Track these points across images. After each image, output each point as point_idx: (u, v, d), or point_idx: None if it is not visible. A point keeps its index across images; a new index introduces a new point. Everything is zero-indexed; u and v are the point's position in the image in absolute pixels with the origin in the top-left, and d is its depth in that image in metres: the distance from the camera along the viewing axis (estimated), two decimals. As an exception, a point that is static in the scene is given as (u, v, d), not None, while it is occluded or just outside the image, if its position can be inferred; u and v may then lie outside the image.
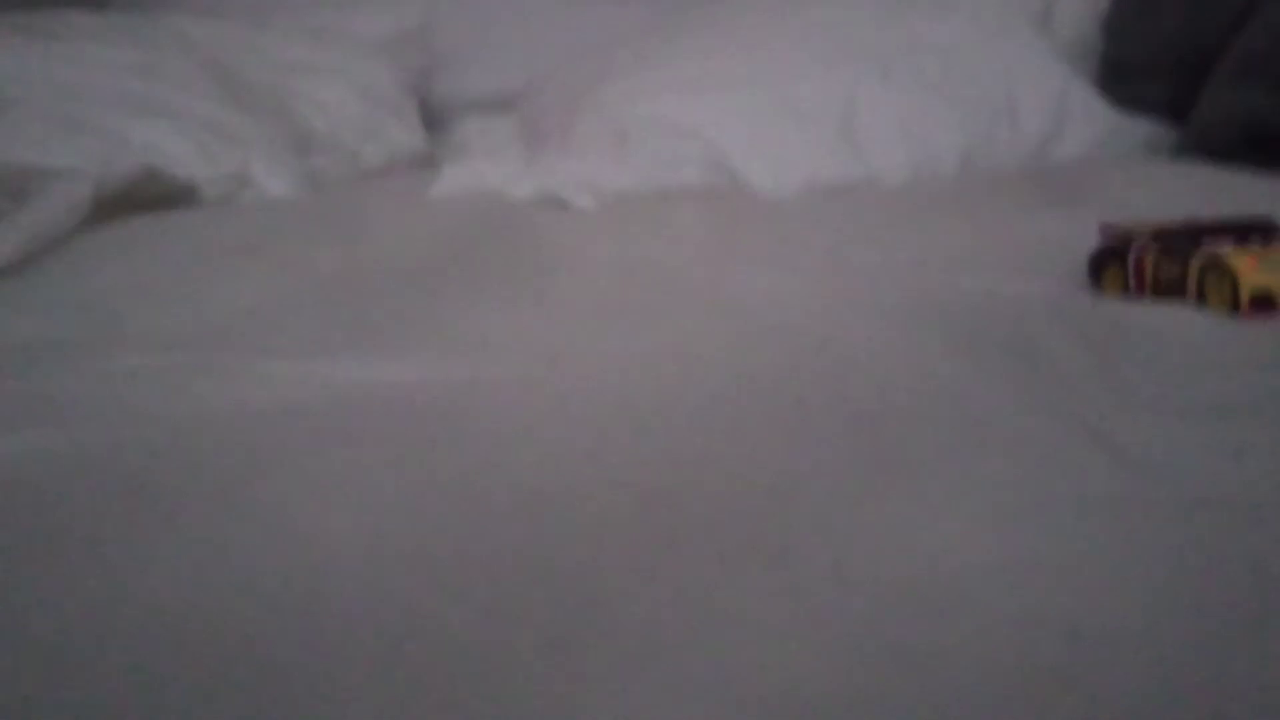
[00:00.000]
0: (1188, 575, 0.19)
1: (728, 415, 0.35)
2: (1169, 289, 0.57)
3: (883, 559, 0.20)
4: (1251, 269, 0.53)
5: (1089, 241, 0.64)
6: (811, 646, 0.18)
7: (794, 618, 0.19)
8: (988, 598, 0.18)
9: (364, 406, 0.41)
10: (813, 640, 0.18)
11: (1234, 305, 0.53)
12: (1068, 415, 0.28)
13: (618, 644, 0.19)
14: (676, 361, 0.43)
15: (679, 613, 0.20)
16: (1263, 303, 0.53)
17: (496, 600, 0.21)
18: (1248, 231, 0.57)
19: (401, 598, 0.21)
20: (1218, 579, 0.19)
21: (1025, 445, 0.26)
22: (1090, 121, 1.17)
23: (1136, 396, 0.31)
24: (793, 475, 0.29)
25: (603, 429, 0.34)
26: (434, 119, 1.40)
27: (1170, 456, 0.25)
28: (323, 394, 0.43)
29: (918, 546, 0.21)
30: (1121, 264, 0.61)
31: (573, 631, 0.20)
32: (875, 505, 0.24)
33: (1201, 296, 0.55)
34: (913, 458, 0.28)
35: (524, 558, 0.22)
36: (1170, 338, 0.45)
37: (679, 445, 0.33)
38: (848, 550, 0.21)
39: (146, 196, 0.95)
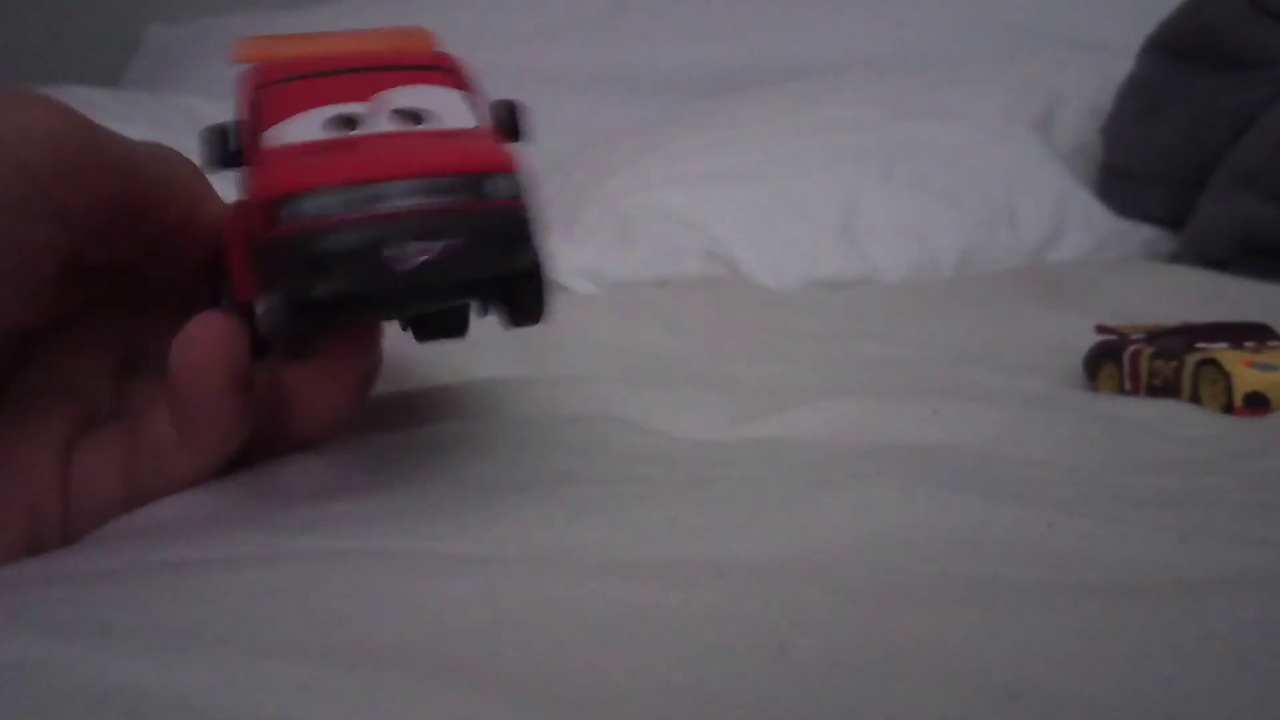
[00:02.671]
0: (1116, 646, 0.20)
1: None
2: (1163, 388, 0.58)
3: (831, 631, 0.21)
4: (1245, 370, 0.53)
5: (1085, 340, 0.65)
6: (755, 714, 0.18)
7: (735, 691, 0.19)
8: (926, 665, 0.19)
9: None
10: (756, 707, 0.18)
11: (1228, 405, 0.53)
12: (1029, 501, 0.28)
13: None
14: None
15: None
16: (1256, 403, 0.53)
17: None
18: (1242, 334, 0.58)
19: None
20: (1144, 649, 0.20)
21: (975, 537, 0.26)
22: (1088, 227, 1.18)
23: (1102, 488, 0.32)
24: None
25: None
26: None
27: (1112, 545, 0.25)
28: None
29: (859, 624, 0.21)
30: (1117, 363, 0.61)
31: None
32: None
33: (1195, 396, 0.56)
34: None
35: None
36: (1159, 431, 0.45)
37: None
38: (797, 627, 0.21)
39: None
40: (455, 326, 0.35)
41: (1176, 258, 1.12)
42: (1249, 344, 0.58)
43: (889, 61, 1.46)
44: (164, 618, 0.21)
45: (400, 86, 0.32)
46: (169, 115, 1.28)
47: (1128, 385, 0.60)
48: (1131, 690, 0.18)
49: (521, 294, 0.31)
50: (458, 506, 0.30)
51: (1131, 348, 0.61)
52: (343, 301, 0.29)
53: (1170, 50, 1.19)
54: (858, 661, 0.19)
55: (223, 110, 1.33)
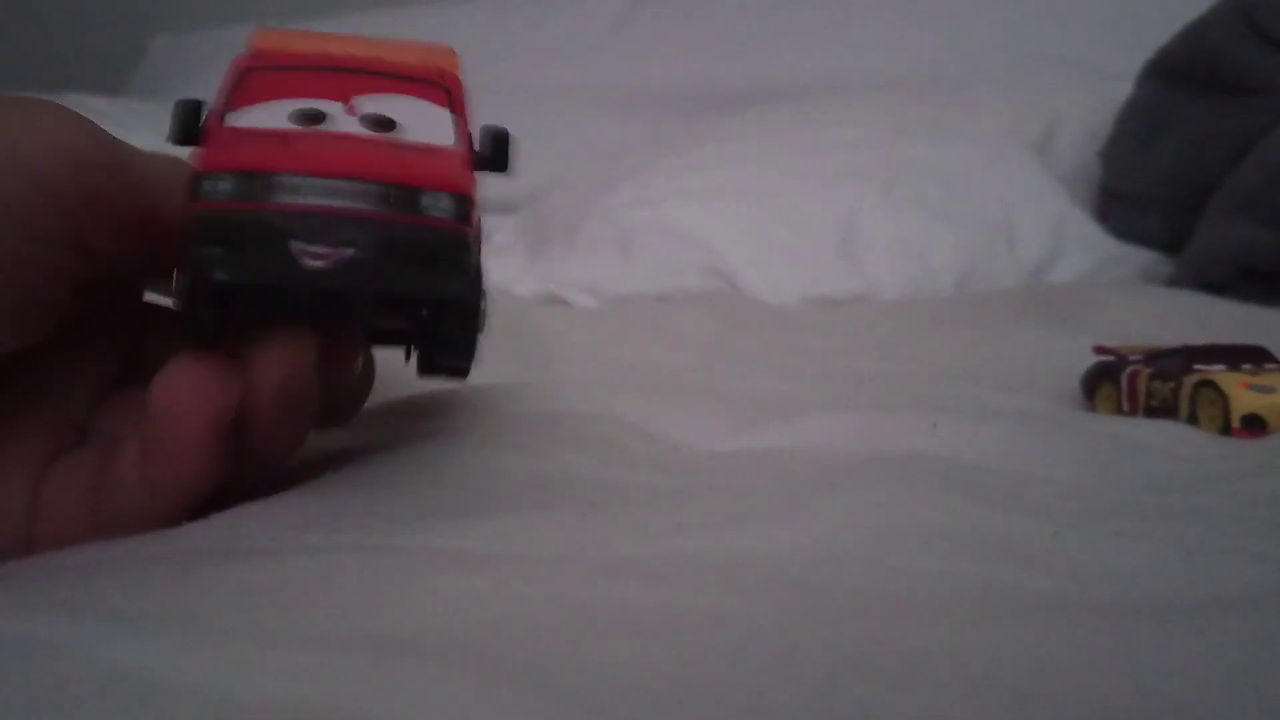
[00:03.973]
0: (1126, 659, 0.20)
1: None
2: (1161, 409, 0.58)
3: (841, 633, 0.21)
4: (1243, 392, 0.54)
5: (1083, 361, 0.65)
6: (764, 716, 0.18)
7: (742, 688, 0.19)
8: (937, 669, 0.19)
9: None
10: (765, 709, 0.18)
11: (1225, 427, 0.53)
12: (1032, 511, 0.28)
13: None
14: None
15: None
16: (1253, 425, 0.53)
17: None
18: (1240, 357, 0.58)
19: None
20: (1153, 663, 0.20)
21: (980, 541, 0.26)
22: (1086, 249, 1.19)
23: (1104, 502, 0.32)
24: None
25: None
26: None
27: (1117, 556, 0.25)
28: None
29: (869, 626, 0.21)
30: (1115, 383, 0.61)
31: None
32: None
33: (1193, 417, 0.56)
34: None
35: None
36: (1158, 450, 0.45)
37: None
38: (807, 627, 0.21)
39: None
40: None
41: (1174, 281, 1.12)
42: (1246, 366, 0.58)
43: (890, 82, 1.47)
44: (173, 605, 0.22)
45: (385, 94, 0.31)
46: (172, 122, 1.28)
47: (1125, 406, 0.61)
48: (1140, 702, 0.18)
49: (446, 332, 0.29)
50: (465, 505, 0.30)
51: (1130, 368, 0.61)
52: (248, 292, 0.28)
53: (1170, 75, 1.20)
54: (867, 664, 0.19)
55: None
